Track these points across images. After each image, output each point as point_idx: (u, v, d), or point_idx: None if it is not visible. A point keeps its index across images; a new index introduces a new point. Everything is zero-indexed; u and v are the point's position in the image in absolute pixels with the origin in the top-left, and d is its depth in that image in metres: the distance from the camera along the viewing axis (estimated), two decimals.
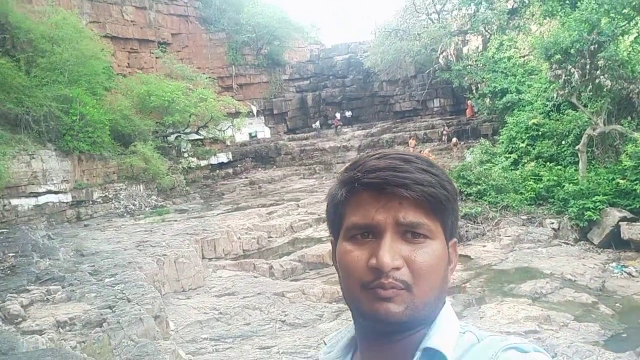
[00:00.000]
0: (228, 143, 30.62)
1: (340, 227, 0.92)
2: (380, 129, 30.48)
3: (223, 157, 29.52)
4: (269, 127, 35.02)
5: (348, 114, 34.10)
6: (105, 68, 22.59)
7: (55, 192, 17.17)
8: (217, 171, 28.59)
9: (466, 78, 24.65)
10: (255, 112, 33.52)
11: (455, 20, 27.81)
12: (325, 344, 1.04)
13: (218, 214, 18.04)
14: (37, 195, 16.48)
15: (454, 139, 25.61)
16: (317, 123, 33.70)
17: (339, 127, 32.55)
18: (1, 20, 17.81)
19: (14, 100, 16.48)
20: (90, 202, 19.03)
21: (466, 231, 14.59)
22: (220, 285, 10.96)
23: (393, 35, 28.67)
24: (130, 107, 23.00)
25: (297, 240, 14.82)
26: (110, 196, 20.00)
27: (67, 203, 17.80)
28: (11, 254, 10.56)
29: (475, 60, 24.60)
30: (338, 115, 33.25)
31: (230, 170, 28.98)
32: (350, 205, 0.89)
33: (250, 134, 33.38)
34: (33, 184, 16.27)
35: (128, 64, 29.36)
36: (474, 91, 24.39)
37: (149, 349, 6.05)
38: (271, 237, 15.05)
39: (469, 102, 26.55)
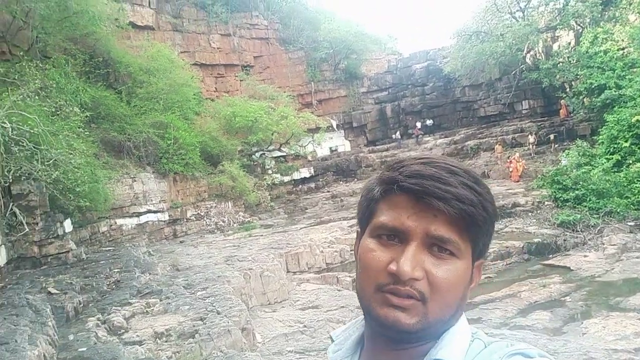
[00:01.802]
0: (309, 158, 31.26)
1: (368, 222, 0.90)
2: (464, 135, 29.36)
3: (305, 172, 30.16)
4: (349, 141, 35.23)
5: (429, 122, 33.31)
6: (195, 94, 24.26)
7: (155, 212, 18.62)
8: (300, 186, 29.25)
9: (557, 76, 23.03)
10: (335, 127, 33.94)
11: (542, 16, 26.17)
12: (333, 340, 1.01)
13: (301, 228, 18.39)
14: (138, 214, 17.96)
15: (532, 137, 24.12)
16: (397, 133, 33.30)
17: (420, 136, 31.90)
18: (104, 56, 19.88)
19: (118, 128, 18.24)
20: (185, 220, 20.37)
21: (564, 240, 13.47)
22: (305, 299, 11.12)
23: (474, 38, 27.65)
24: (218, 128, 24.42)
25: None
26: (202, 214, 21.27)
27: (164, 221, 19.21)
28: (116, 270, 11.58)
29: (567, 57, 22.92)
30: (418, 124, 32.61)
31: (313, 185, 29.52)
32: (384, 204, 0.87)
33: (330, 148, 33.83)
34: (135, 205, 17.78)
35: (215, 88, 31.27)
36: (568, 90, 22.69)
37: None
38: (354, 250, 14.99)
39: (562, 101, 24.73)
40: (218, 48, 31.48)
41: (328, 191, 27.94)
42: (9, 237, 11.37)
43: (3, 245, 11.02)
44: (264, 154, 28.23)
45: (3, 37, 16.23)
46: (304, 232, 17.46)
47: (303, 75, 34.53)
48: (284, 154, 29.53)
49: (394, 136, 33.38)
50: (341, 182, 29.70)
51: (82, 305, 8.88)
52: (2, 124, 10.54)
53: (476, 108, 31.77)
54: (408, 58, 37.37)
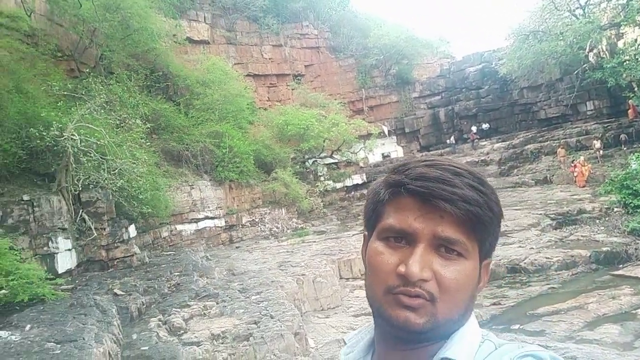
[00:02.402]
0: (361, 165, 31.17)
1: (375, 225, 0.91)
2: (523, 139, 28.19)
3: (357, 179, 30.08)
4: (402, 146, 34.82)
5: (485, 126, 32.29)
6: (248, 104, 24.95)
7: (212, 218, 19.24)
8: (352, 193, 29.20)
9: (624, 75, 21.62)
10: (386, 133, 33.69)
11: (605, 13, 24.72)
12: (345, 343, 1.03)
13: (354, 235, 18.32)
14: (197, 221, 18.63)
15: (597, 142, 22.75)
16: (452, 138, 32.52)
17: (475, 140, 30.99)
18: (164, 70, 20.91)
19: (177, 138, 19.06)
20: (240, 226, 20.89)
21: (635, 249, 12.55)
22: (357, 305, 11.04)
23: (531, 38, 26.56)
24: (271, 137, 24.94)
25: None
26: (256, 220, 21.72)
27: (221, 227, 19.80)
28: (176, 273, 12.04)
29: (634, 54, 21.46)
30: (474, 128, 31.70)
31: (365, 192, 29.34)
32: (391, 206, 0.88)
33: (383, 154, 33.58)
34: (193, 211, 18.45)
35: (268, 97, 32.00)
36: (636, 89, 21.23)
37: None
38: None
39: (630, 102, 23.16)
40: (270, 58, 32.23)
41: None
42: (79, 241, 12.14)
43: (74, 249, 11.78)
44: (316, 161, 28.47)
45: (71, 56, 17.46)
46: (356, 238, 17.37)
47: (354, 82, 34.61)
48: (336, 160, 29.63)
49: (448, 141, 32.63)
50: None
51: (144, 306, 9.30)
52: (72, 136, 11.30)
53: (536, 110, 30.44)
54: (461, 61, 36.51)
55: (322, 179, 28.00)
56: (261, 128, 25.50)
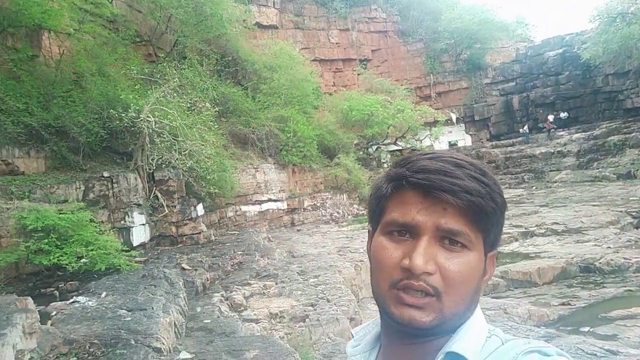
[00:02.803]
0: None
1: (379, 220, 0.90)
2: (606, 130, 26.11)
3: None
4: (470, 135, 33.54)
5: (563, 115, 30.23)
6: (314, 89, 25.07)
7: (275, 201, 19.71)
8: None
9: None
10: (454, 120, 32.57)
11: None
12: (353, 337, 1.03)
13: None
14: (260, 202, 19.15)
15: None
16: (525, 127, 30.79)
17: (552, 130, 29.13)
18: (233, 55, 21.49)
19: (243, 122, 19.61)
20: (302, 210, 21.22)
21: None
22: None
23: (619, 20, 24.38)
24: (335, 122, 24.95)
25: (500, 254, 13.72)
26: (318, 204, 21.95)
27: (283, 210, 20.23)
28: (239, 252, 12.50)
29: None
30: (551, 117, 29.79)
31: None
32: (394, 200, 0.87)
33: (450, 142, 32.55)
34: (257, 193, 18.98)
35: (333, 82, 31.96)
36: None
37: (344, 348, 6.36)
38: None
39: None
40: (337, 43, 32.09)
41: None
42: (152, 217, 12.91)
43: (147, 224, 12.55)
44: (379, 147, 28.16)
45: (149, 41, 18.38)
46: None
47: (422, 67, 33.66)
48: (400, 148, 29.15)
49: (521, 130, 30.94)
50: None
51: (209, 281, 9.75)
52: (148, 118, 11.95)
53: (622, 99, 28.07)
54: (540, 45, 34.27)
55: (385, 166, 27.68)
56: (325, 113, 25.58)
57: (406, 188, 0.85)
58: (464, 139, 33.16)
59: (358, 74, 31.91)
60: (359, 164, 23.51)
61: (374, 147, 28.12)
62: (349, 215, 21.61)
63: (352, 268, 11.03)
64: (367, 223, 0.98)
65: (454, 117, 32.51)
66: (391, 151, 28.84)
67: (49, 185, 10.68)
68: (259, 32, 27.02)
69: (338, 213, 21.63)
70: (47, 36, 14.07)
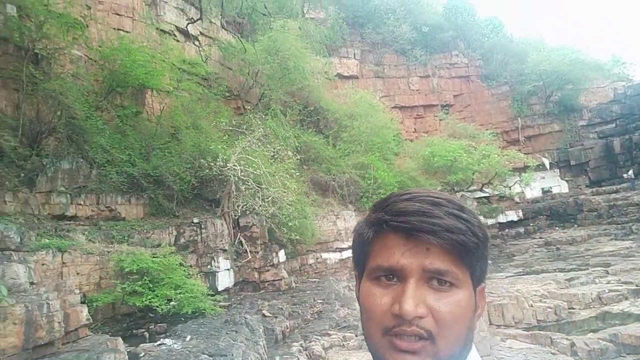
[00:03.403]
0: (517, 200, 28.66)
1: (365, 265, 0.90)
2: None
3: (512, 215, 27.67)
4: (566, 181, 31.15)
5: None
6: (394, 135, 25.04)
7: None
8: (506, 230, 26.92)
9: None
10: (547, 165, 30.57)
11: None
12: None
13: (507, 277, 16.73)
14: (341, 250, 18.99)
15: None
16: (630, 172, 27.99)
17: None
18: (315, 105, 22.26)
19: (324, 169, 19.94)
20: None
21: None
22: (510, 358, 9.88)
23: None
24: (417, 168, 24.52)
25: (608, 314, 12.18)
26: None
27: None
28: (319, 301, 12.32)
29: None
30: None
31: (521, 230, 26.84)
32: (377, 245, 0.87)
33: (542, 189, 30.46)
34: (338, 240, 18.88)
35: (414, 129, 31.74)
36: None
37: None
38: (572, 309, 12.86)
39: None
40: (417, 90, 32.11)
41: (540, 237, 24.95)
42: (236, 262, 13.26)
43: (232, 269, 12.89)
44: (464, 194, 27.05)
45: (238, 95, 19.68)
46: (510, 281, 15.83)
47: (508, 110, 32.42)
48: (487, 194, 27.78)
49: (625, 175, 28.19)
50: (557, 228, 26.24)
51: (288, 330, 9.65)
52: (234, 167, 12.53)
53: None
54: None
55: None
56: (407, 159, 25.28)
57: (387, 231, 0.85)
58: (559, 185, 30.86)
59: (440, 120, 31.47)
60: None
61: (459, 194, 27.06)
62: None
63: None
64: (354, 269, 0.96)
65: (546, 162, 30.56)
66: (477, 198, 27.55)
67: (145, 230, 11.44)
68: (339, 82, 27.89)
69: None
70: (150, 94, 15.59)
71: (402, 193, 0.89)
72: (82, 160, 11.19)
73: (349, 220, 19.37)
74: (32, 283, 6.04)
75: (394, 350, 0.80)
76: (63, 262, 8.46)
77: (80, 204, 10.67)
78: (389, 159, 23.40)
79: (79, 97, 11.72)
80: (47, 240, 8.48)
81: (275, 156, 14.86)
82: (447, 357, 0.80)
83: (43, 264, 7.81)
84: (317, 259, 18.15)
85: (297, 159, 15.96)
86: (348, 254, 19.00)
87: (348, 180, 19.83)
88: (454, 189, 26.58)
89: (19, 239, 7.19)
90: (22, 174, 9.75)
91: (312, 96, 22.34)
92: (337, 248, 18.82)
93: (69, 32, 12.13)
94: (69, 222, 10.15)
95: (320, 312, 11.16)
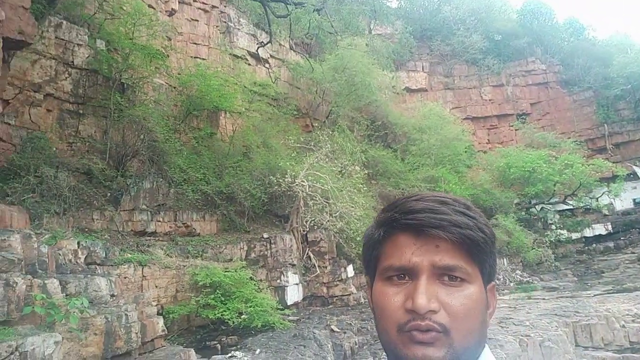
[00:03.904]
0: (605, 212, 26.43)
1: (376, 267, 0.91)
2: None
3: (600, 229, 25.54)
4: None
5: None
6: (466, 147, 24.24)
7: None
8: (594, 245, 24.87)
9: None
10: (639, 174, 27.97)
11: None
12: None
13: (595, 295, 15.40)
14: None
15: None
16: None
17: None
18: (383, 120, 22.20)
19: (393, 183, 19.70)
20: None
21: None
22: None
23: None
24: (491, 180, 23.50)
25: None
26: None
27: None
28: None
29: None
30: None
31: (611, 244, 24.65)
32: (387, 246, 0.89)
33: (634, 200, 27.86)
34: None
35: (488, 140, 30.51)
36: None
37: None
38: None
39: None
40: (490, 100, 30.96)
41: (632, 252, 22.80)
42: (305, 277, 13.41)
43: (300, 284, 13.06)
44: (544, 207, 25.44)
45: (307, 113, 20.15)
46: (598, 299, 14.56)
47: (592, 117, 30.22)
48: (571, 207, 25.90)
49: None
50: None
51: (357, 346, 9.55)
52: (302, 183, 12.78)
53: None
54: None
55: (552, 227, 24.75)
56: (480, 172, 24.32)
57: (397, 231, 0.87)
58: None
59: (516, 129, 29.99)
60: (520, 226, 21.45)
61: (538, 207, 25.48)
62: (510, 282, 19.56)
63: (517, 343, 9.76)
64: (365, 274, 0.99)
65: (638, 170, 27.98)
66: (560, 211, 25.77)
67: (218, 245, 11.96)
68: (407, 96, 27.61)
69: (498, 279, 19.72)
70: (223, 116, 16.44)
71: (410, 195, 0.92)
72: (161, 179, 12.00)
73: None
74: (112, 295, 6.54)
75: (411, 343, 0.81)
76: (143, 276, 9.07)
77: (160, 221, 11.41)
78: (461, 172, 22.66)
79: (159, 122, 12.64)
80: (130, 255, 9.14)
81: (343, 171, 14.96)
82: (462, 349, 0.81)
83: (125, 277, 8.42)
84: None
85: (365, 174, 15.94)
86: None
87: None
88: (532, 201, 25.11)
89: (104, 254, 7.84)
90: (109, 194, 10.65)
91: (379, 111, 22.31)
92: None
93: (151, 62, 13.19)
94: (149, 238, 10.89)
95: None
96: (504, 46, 32.06)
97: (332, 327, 10.58)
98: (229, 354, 7.79)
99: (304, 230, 13.41)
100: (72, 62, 11.60)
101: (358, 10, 24.77)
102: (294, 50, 21.83)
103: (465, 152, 23.77)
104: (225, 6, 18.90)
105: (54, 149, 10.67)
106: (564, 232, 24.75)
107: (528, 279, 20.05)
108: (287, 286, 12.38)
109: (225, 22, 18.81)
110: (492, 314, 0.91)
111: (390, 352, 0.86)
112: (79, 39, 11.78)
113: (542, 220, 25.01)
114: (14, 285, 4.86)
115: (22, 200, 8.60)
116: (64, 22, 11.47)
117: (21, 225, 6.52)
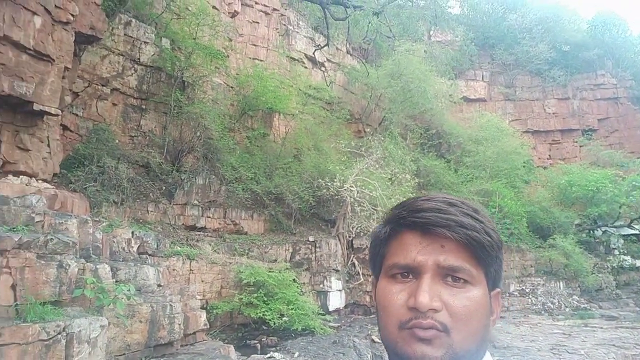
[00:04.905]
0: None
1: (381, 266, 0.92)
2: None
3: None
4: None
5: None
6: (525, 162, 23.18)
7: None
8: None
9: None
10: None
11: None
12: None
13: None
14: None
15: None
16: None
17: None
18: (438, 129, 21.64)
19: None
20: (507, 294, 19.02)
21: None
22: None
23: None
24: (550, 198, 22.34)
25: None
26: (527, 290, 19.42)
27: None
28: None
29: None
30: None
31: None
32: (393, 244, 0.90)
33: None
34: None
35: (549, 155, 29.07)
36: None
37: None
38: None
39: None
40: (554, 113, 29.49)
41: None
42: (348, 284, 13.27)
43: (343, 291, 12.92)
44: (608, 230, 23.84)
45: (360, 119, 20.00)
46: None
47: None
48: (637, 232, 24.11)
49: None
50: None
51: None
52: (351, 188, 12.66)
53: None
54: None
55: (616, 252, 23.12)
56: (538, 188, 23.17)
57: (404, 229, 0.88)
58: None
59: (580, 146, 28.38)
60: (580, 248, 20.19)
61: (601, 230, 23.92)
62: (566, 307, 18.45)
63: None
64: (371, 275, 0.99)
65: None
66: (624, 235, 24.06)
67: (264, 245, 12.06)
68: (465, 105, 26.77)
69: (552, 303, 18.68)
70: (277, 117, 16.63)
71: (419, 196, 0.94)
72: (214, 176, 12.27)
73: None
74: (159, 285, 6.71)
75: (411, 339, 0.81)
76: (190, 269, 9.28)
77: (210, 217, 11.66)
78: (518, 187, 21.66)
79: (215, 120, 12.95)
80: (179, 248, 9.38)
81: (393, 179, 14.70)
82: (461, 351, 0.81)
83: (173, 269, 8.64)
84: None
85: (416, 183, 15.56)
86: None
87: None
88: (595, 223, 23.62)
89: (155, 245, 8.08)
90: (164, 187, 11.00)
91: (434, 120, 21.79)
92: None
93: (212, 61, 13.56)
94: (198, 233, 11.15)
95: None
96: (572, 57, 30.44)
97: (373, 337, 10.37)
98: (268, 354, 7.79)
99: (349, 236, 13.28)
100: (139, 59, 12.13)
101: (418, 15, 24.29)
102: (350, 55, 21.76)
103: (524, 166, 22.72)
104: (285, 9, 19.16)
105: (117, 141, 11.18)
106: (628, 258, 23.06)
107: (586, 305, 18.84)
108: (329, 292, 12.28)
109: (284, 24, 19.06)
110: (495, 321, 0.90)
111: (390, 349, 0.86)
112: (146, 37, 12.31)
113: (605, 244, 23.44)
114: (67, 268, 5.07)
115: (84, 188, 9.05)
116: (133, 20, 12.01)
117: (81, 212, 6.83)
